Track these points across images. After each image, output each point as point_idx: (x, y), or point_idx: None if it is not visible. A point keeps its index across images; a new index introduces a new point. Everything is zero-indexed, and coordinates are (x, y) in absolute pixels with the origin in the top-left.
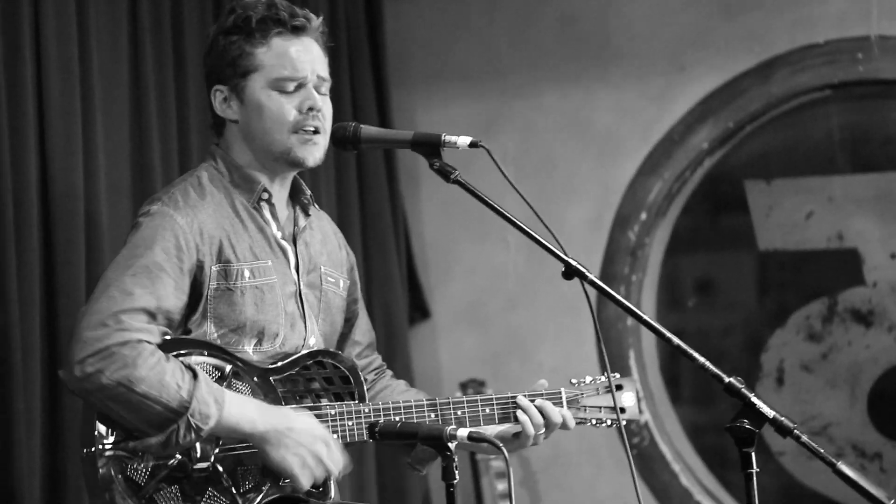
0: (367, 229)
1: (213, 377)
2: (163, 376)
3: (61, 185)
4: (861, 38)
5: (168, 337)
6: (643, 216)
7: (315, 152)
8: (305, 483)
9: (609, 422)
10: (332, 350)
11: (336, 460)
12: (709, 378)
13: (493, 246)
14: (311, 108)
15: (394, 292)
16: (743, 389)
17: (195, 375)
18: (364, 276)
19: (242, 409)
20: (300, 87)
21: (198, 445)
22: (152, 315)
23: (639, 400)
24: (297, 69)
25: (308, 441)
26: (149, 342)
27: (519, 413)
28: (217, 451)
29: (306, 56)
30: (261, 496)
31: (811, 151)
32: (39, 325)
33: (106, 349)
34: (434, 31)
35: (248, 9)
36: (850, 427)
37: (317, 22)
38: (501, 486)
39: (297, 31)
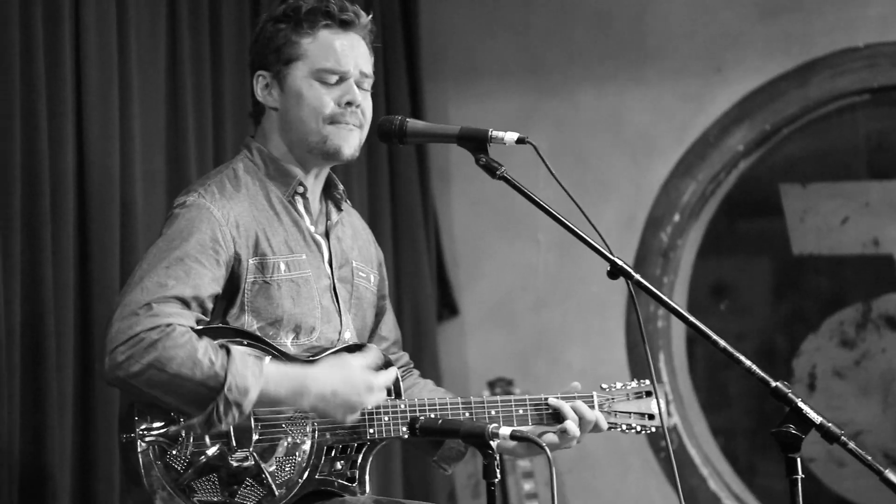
0: (397, 225)
1: None
2: (195, 354)
3: (98, 170)
4: None
5: (201, 327)
6: (676, 218)
7: (351, 141)
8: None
9: (639, 428)
10: (368, 345)
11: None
12: (740, 382)
13: (524, 244)
14: (349, 103)
15: (423, 289)
16: (790, 394)
17: (229, 351)
18: (393, 272)
19: (283, 381)
20: (342, 80)
21: (234, 435)
22: (186, 303)
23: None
24: (341, 62)
25: (354, 396)
26: (180, 325)
27: (568, 415)
28: (255, 440)
29: (351, 51)
30: (297, 488)
31: (848, 156)
32: (73, 310)
33: (136, 335)
34: (469, 26)
35: None
36: (882, 434)
37: (365, 20)
38: (528, 485)
39: (345, 25)
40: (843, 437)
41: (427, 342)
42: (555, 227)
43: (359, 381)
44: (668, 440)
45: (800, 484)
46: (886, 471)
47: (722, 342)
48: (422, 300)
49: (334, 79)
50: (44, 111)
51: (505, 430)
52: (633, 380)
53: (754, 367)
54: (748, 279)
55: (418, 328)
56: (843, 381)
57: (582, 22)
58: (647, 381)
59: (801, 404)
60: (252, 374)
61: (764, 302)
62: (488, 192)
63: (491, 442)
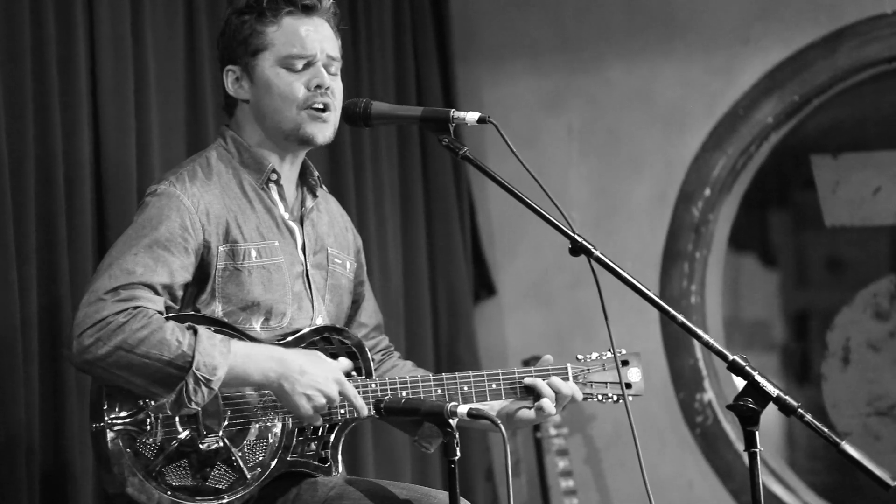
0: (430, 206)
1: None
2: (162, 335)
3: (114, 160)
4: None
5: (171, 314)
6: (707, 192)
7: (325, 130)
8: (317, 420)
9: (615, 397)
10: (338, 326)
11: (351, 396)
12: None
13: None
14: (318, 86)
15: (458, 269)
16: (747, 367)
17: (196, 331)
18: (427, 252)
19: (251, 358)
20: (309, 65)
21: (203, 419)
22: (154, 290)
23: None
24: (306, 47)
25: (322, 382)
26: (147, 307)
27: (544, 393)
28: (225, 424)
29: (315, 35)
30: (269, 470)
31: (879, 125)
32: None
33: (103, 319)
34: (499, 5)
35: None
36: None
37: (328, 3)
38: (563, 463)
39: (308, 10)
40: (799, 410)
41: (464, 322)
42: (590, 204)
43: (328, 367)
44: (628, 406)
45: (758, 457)
46: (843, 443)
47: (680, 317)
48: (457, 280)
49: (301, 64)
50: (56, 102)
51: (462, 409)
52: (608, 350)
53: (712, 340)
54: (781, 252)
55: (454, 308)
56: (877, 353)
57: None
58: (624, 351)
59: (758, 377)
60: (220, 353)
61: (797, 275)
62: (523, 170)
63: (450, 420)
